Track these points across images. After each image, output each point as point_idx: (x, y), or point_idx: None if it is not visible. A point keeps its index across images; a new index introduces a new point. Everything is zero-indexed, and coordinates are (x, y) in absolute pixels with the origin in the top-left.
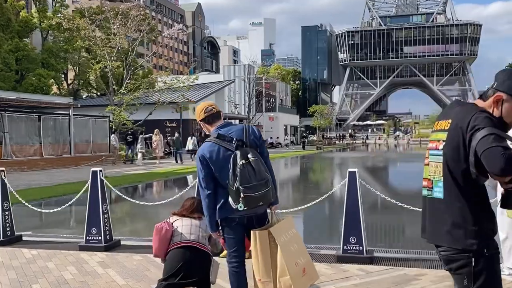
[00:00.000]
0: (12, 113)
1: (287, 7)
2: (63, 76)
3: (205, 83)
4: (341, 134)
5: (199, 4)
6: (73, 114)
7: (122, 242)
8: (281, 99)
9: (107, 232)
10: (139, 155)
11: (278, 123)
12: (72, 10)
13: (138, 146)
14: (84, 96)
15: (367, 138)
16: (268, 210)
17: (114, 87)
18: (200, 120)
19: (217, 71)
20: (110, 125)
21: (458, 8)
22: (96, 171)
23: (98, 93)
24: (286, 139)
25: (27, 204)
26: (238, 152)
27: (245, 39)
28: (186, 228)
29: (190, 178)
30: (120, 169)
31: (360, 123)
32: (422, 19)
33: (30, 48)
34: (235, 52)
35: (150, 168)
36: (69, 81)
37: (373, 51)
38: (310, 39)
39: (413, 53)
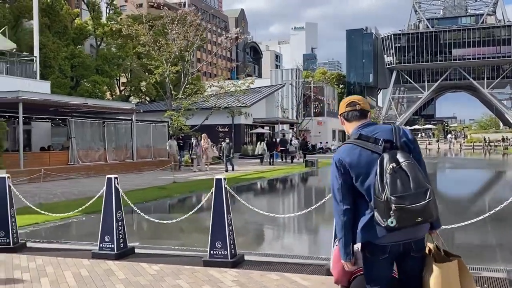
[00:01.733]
0: (78, 119)
1: (328, 11)
2: (116, 82)
3: (255, 88)
4: None
5: (242, 10)
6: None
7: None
8: (328, 103)
9: (232, 246)
10: (194, 161)
11: (326, 128)
12: (120, 18)
13: (192, 151)
14: (134, 103)
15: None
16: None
17: (172, 92)
18: (340, 114)
19: (259, 76)
20: (168, 130)
21: (508, 8)
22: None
23: (148, 99)
24: (333, 144)
25: (139, 211)
26: (386, 155)
27: (287, 43)
28: None
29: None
30: (182, 175)
31: (408, 127)
32: (471, 21)
33: (85, 55)
34: (277, 57)
35: (203, 175)
36: (121, 88)
37: (421, 54)
38: (355, 42)
39: (462, 55)
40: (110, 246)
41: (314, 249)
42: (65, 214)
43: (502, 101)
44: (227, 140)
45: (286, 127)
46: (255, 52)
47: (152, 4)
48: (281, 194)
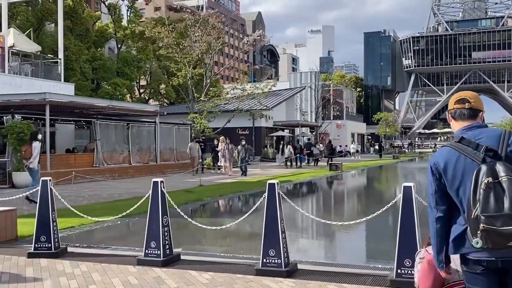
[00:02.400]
0: (103, 121)
1: (345, 14)
2: (136, 85)
3: (275, 91)
4: (410, 142)
5: (259, 13)
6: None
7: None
8: (346, 106)
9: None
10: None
11: (346, 131)
12: (141, 21)
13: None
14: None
15: (435, 146)
16: None
17: (195, 94)
18: (448, 111)
19: (277, 79)
20: (191, 133)
21: None
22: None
23: (167, 102)
24: (353, 147)
25: (185, 216)
26: (484, 166)
27: (303, 46)
28: None
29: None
30: (205, 178)
31: (426, 131)
32: (492, 23)
33: (106, 58)
34: (294, 60)
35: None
36: (141, 90)
37: (440, 57)
38: (373, 45)
39: (482, 58)
40: (156, 252)
41: (369, 258)
42: (102, 218)
43: None
44: (243, 142)
45: (305, 130)
46: (272, 55)
47: (171, 7)
48: (315, 199)
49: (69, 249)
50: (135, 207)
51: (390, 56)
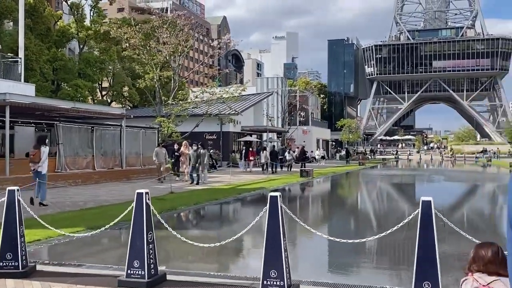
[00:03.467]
0: (67, 124)
1: (308, 21)
2: (98, 87)
3: (243, 95)
4: (371, 149)
5: (224, 17)
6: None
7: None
8: (311, 113)
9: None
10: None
11: (311, 137)
12: (104, 22)
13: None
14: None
15: (396, 153)
16: None
17: (162, 97)
18: None
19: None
20: (158, 137)
21: (487, 22)
22: (142, 193)
23: (131, 105)
24: (318, 153)
25: (173, 231)
26: None
27: (268, 52)
28: None
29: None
30: (174, 184)
31: (388, 138)
32: (452, 33)
33: (67, 58)
34: (259, 65)
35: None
36: (103, 93)
37: (401, 65)
38: (337, 52)
39: (442, 67)
40: (140, 272)
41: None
42: (71, 230)
43: (481, 113)
44: (195, 147)
45: (272, 135)
46: (237, 60)
47: (135, 8)
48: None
49: (38, 268)
50: (119, 218)
51: (353, 64)
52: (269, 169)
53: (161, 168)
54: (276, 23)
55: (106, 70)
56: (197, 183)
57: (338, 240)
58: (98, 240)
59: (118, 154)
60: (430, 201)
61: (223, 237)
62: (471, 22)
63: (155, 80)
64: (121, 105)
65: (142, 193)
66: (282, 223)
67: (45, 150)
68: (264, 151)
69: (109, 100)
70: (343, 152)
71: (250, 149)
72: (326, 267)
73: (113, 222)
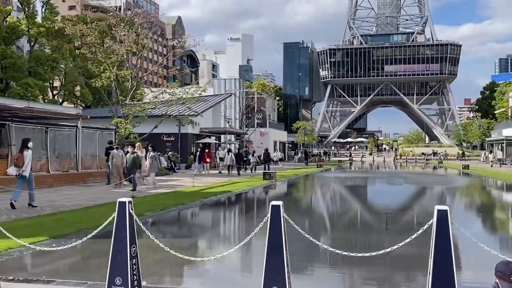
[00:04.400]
0: (19, 124)
1: (263, 23)
2: (49, 86)
3: (202, 96)
4: (324, 151)
5: (179, 18)
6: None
7: None
8: (268, 115)
9: None
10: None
11: (269, 139)
12: (56, 19)
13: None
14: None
15: (350, 155)
16: None
17: (119, 97)
18: None
19: (199, 83)
20: (115, 138)
21: (437, 27)
22: (124, 202)
23: (83, 105)
24: (276, 155)
25: (156, 240)
26: None
27: (223, 54)
28: None
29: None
30: (130, 188)
31: (341, 140)
32: (403, 39)
33: (16, 56)
34: (214, 67)
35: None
36: (54, 92)
37: (354, 69)
38: (292, 55)
39: (394, 71)
40: None
41: None
42: (33, 240)
43: (431, 117)
44: (128, 149)
45: (230, 137)
46: (192, 61)
47: (88, 6)
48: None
49: (3, 285)
50: (100, 231)
51: (308, 67)
52: (233, 172)
53: (117, 172)
54: (231, 25)
55: (58, 68)
56: (133, 190)
57: (322, 245)
58: (66, 251)
59: (74, 156)
60: (447, 210)
61: (207, 247)
62: (421, 28)
63: (111, 79)
64: (73, 105)
65: (125, 202)
66: (284, 234)
67: (27, 153)
68: (230, 153)
69: (60, 100)
70: (300, 154)
71: (206, 150)
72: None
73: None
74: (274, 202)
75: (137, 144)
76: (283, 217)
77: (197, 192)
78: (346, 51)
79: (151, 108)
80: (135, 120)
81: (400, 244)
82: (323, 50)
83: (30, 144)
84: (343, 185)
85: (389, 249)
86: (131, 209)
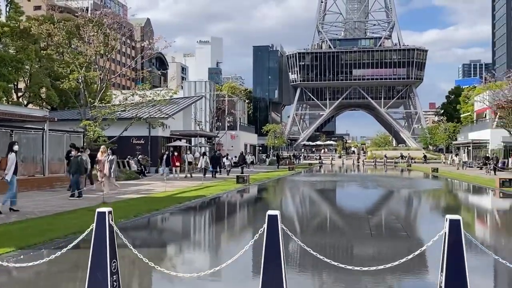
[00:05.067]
0: None
1: (232, 27)
2: (14, 87)
3: (172, 99)
4: (293, 154)
5: (148, 20)
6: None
7: None
8: (239, 118)
9: None
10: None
11: (239, 142)
12: (21, 18)
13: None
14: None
15: (320, 158)
16: None
17: (88, 99)
18: None
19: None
20: (83, 141)
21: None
22: (104, 212)
23: (49, 107)
24: (247, 158)
25: (140, 255)
26: None
27: (192, 56)
28: None
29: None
30: (100, 192)
31: (310, 143)
32: (370, 43)
33: None
34: (183, 69)
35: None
36: (19, 94)
37: (323, 72)
38: (262, 58)
39: (362, 75)
40: None
41: None
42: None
43: (398, 120)
44: (73, 152)
45: (201, 140)
46: (161, 63)
47: (54, 6)
48: (239, 218)
49: None
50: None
51: (277, 70)
52: (207, 175)
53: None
54: (201, 28)
55: (23, 70)
56: (79, 196)
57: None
58: (36, 263)
59: (40, 160)
60: (459, 220)
61: (191, 260)
62: (388, 33)
63: (80, 80)
64: (39, 107)
65: (104, 212)
66: (282, 245)
67: (11, 156)
68: (204, 156)
69: (25, 102)
70: (271, 157)
71: (175, 154)
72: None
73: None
74: (270, 212)
75: (101, 148)
76: (281, 228)
77: (170, 197)
78: (315, 55)
79: (121, 111)
80: (104, 122)
81: (409, 257)
82: (293, 54)
83: (15, 147)
84: (318, 189)
85: (396, 263)
86: (111, 219)
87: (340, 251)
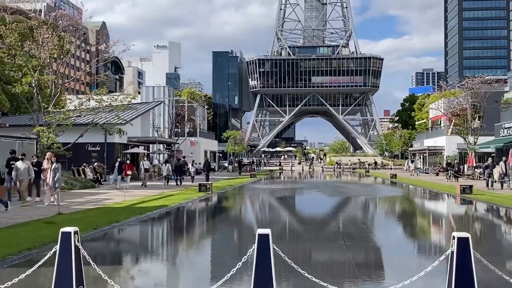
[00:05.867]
0: None
1: (191, 32)
2: None
3: (130, 104)
4: (252, 161)
5: (103, 23)
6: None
7: None
8: (199, 124)
9: None
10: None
11: (199, 148)
12: None
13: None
14: None
15: (280, 164)
16: None
17: (41, 104)
18: None
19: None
20: (37, 148)
21: (360, 42)
22: (69, 232)
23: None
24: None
25: (105, 277)
26: None
27: (149, 61)
28: None
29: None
30: (55, 203)
31: (270, 149)
32: (328, 51)
33: None
34: (140, 74)
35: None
36: None
37: (283, 79)
38: (221, 64)
39: (320, 83)
40: None
41: None
42: None
43: (355, 127)
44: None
45: (160, 147)
46: (117, 68)
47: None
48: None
49: None
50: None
51: (237, 76)
52: (170, 183)
53: (21, 186)
54: (158, 33)
55: None
56: (6, 208)
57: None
58: None
59: None
60: (468, 238)
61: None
62: (345, 41)
63: (33, 85)
64: None
65: (69, 232)
66: (274, 271)
67: None
68: (167, 164)
69: None
70: (234, 164)
71: (128, 161)
72: None
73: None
74: (261, 231)
75: (47, 154)
76: (273, 248)
77: (130, 208)
78: (275, 61)
79: (76, 116)
80: (59, 128)
81: (413, 278)
82: (252, 60)
83: None
84: (282, 197)
85: (400, 285)
86: (77, 240)
87: (327, 267)
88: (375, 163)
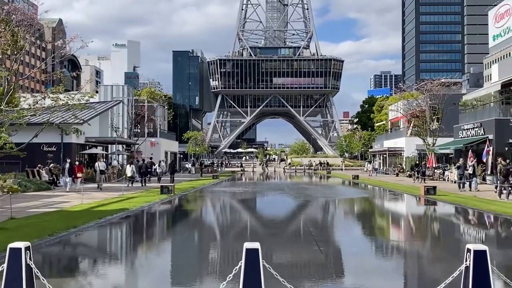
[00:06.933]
0: None
1: (150, 31)
2: None
3: (89, 103)
4: (211, 162)
5: (60, 20)
6: None
7: None
8: (159, 124)
9: None
10: None
11: (159, 149)
12: None
13: None
14: None
15: (241, 165)
16: None
17: None
18: None
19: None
20: None
21: (321, 44)
22: (19, 248)
23: None
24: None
25: None
26: None
27: (107, 60)
28: None
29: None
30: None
31: (232, 150)
32: (290, 52)
33: None
34: (98, 73)
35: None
36: None
37: (244, 80)
38: (182, 64)
39: (281, 84)
40: None
41: None
42: None
43: (316, 128)
44: None
45: (119, 147)
46: (74, 66)
47: None
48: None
49: None
50: None
51: (198, 76)
52: (133, 184)
53: None
54: (117, 32)
55: None
56: None
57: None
58: None
59: None
60: (485, 251)
61: None
62: (306, 42)
63: None
64: None
65: (20, 248)
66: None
67: None
68: (131, 165)
69: None
70: (196, 165)
71: (77, 163)
72: None
73: None
74: (248, 245)
75: None
76: (262, 265)
77: (88, 211)
78: (236, 62)
79: (31, 115)
80: (12, 128)
81: None
82: (213, 60)
83: None
84: (246, 199)
85: None
86: (29, 258)
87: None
88: (320, 163)
